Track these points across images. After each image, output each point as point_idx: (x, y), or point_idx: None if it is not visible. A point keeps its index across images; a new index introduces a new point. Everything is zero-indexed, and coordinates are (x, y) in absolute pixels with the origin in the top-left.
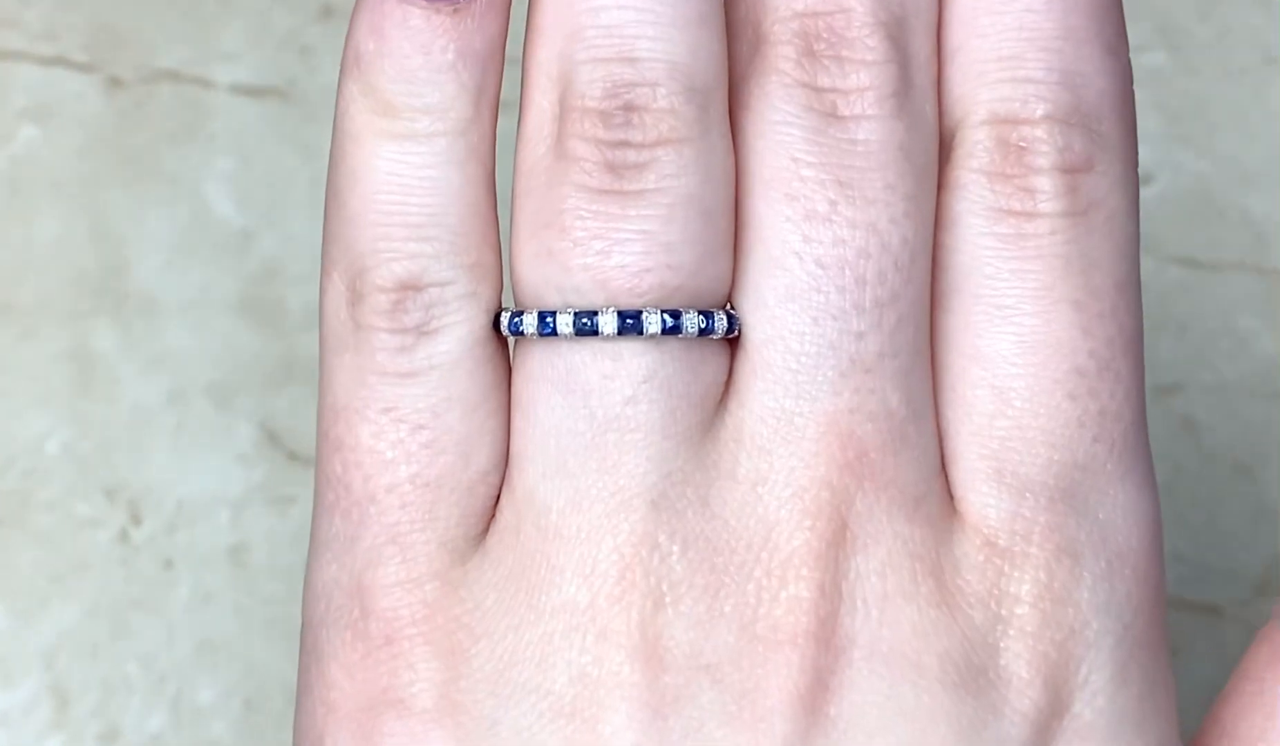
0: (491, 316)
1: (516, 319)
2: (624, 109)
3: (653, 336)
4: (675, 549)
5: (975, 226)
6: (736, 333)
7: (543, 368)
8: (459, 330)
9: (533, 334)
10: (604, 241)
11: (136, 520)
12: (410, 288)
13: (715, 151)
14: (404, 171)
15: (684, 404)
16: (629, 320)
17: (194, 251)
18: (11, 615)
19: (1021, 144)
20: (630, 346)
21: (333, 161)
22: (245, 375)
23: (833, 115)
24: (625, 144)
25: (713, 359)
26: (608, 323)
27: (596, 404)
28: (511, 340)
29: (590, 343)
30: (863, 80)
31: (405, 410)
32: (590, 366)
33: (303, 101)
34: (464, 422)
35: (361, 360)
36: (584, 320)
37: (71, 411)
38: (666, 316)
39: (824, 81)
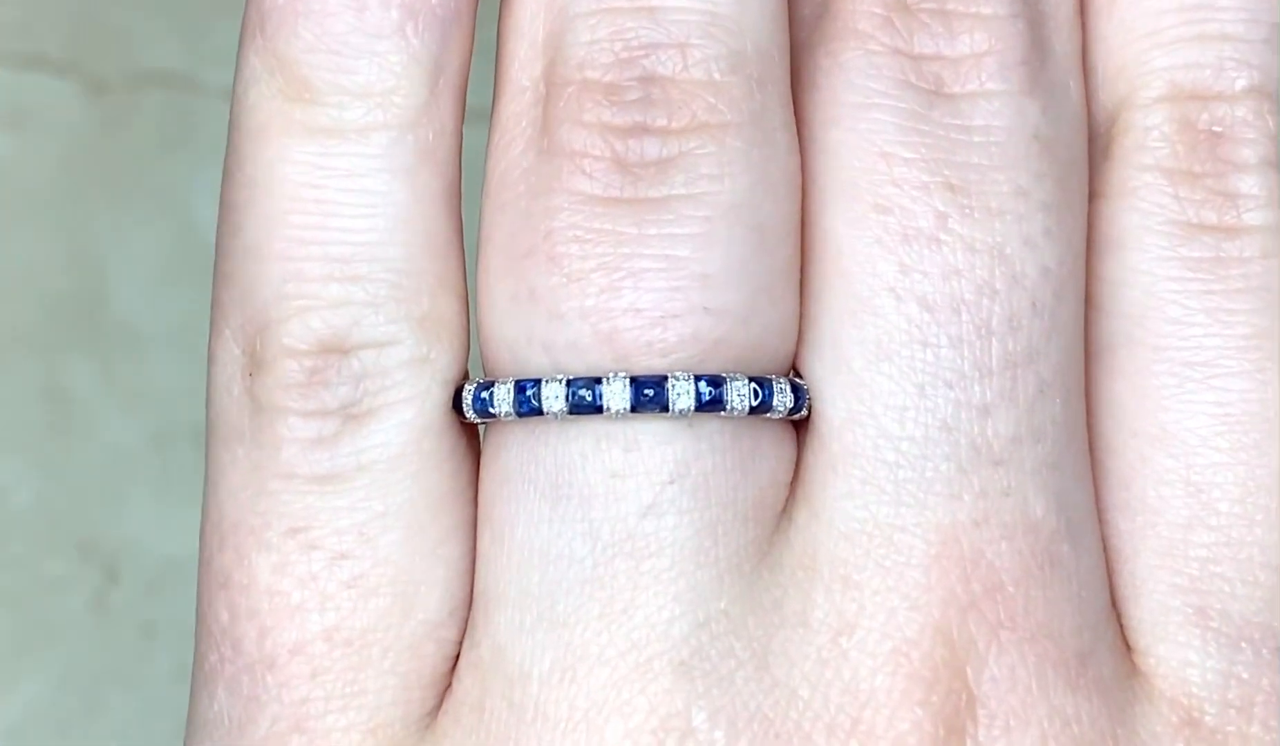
0: (450, 390)
1: (485, 393)
2: (640, 81)
3: (683, 414)
4: (719, 736)
5: (1152, 249)
6: (806, 410)
7: (522, 464)
8: (403, 412)
9: (508, 413)
10: (611, 273)
11: (114, 579)
12: (333, 350)
13: (773, 144)
14: (326, 181)
15: (729, 515)
16: (648, 391)
17: (180, 276)
18: None
19: (1216, 129)
20: (650, 429)
21: (226, 169)
22: None
23: (937, 93)
24: (643, 130)
25: (771, 448)
26: (616, 395)
27: (601, 517)
28: (480, 424)
29: (591, 424)
30: (979, 43)
31: (322, 531)
32: (591, 461)
33: None
34: (406, 549)
35: (261, 456)
36: (582, 392)
37: (41, 455)
38: (703, 385)
39: (924, 46)
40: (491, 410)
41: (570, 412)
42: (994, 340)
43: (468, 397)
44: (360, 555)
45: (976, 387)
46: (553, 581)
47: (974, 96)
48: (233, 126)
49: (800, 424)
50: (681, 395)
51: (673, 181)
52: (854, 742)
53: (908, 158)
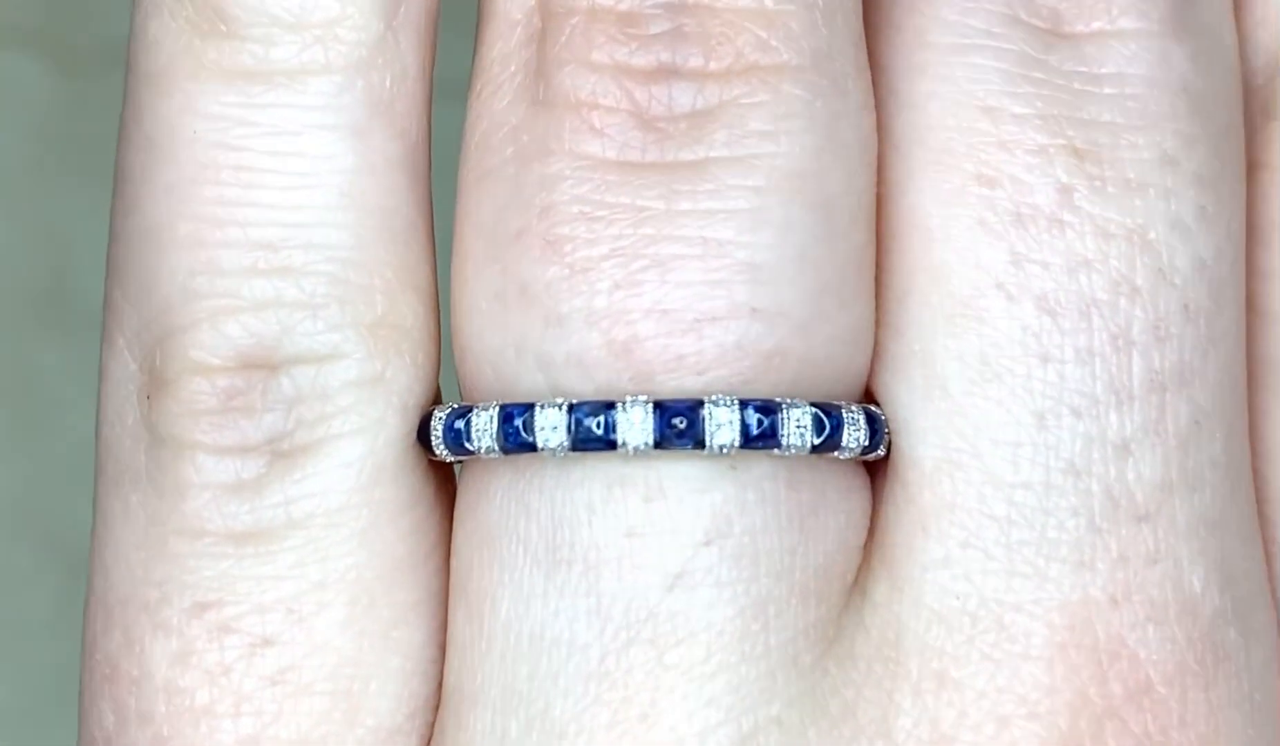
0: (412, 419)
1: (460, 422)
2: (668, 7)
3: (724, 452)
4: None
5: None
6: (884, 448)
7: (509, 517)
8: (348, 449)
9: (490, 449)
10: (629, 263)
11: (80, 573)
12: (257, 366)
13: (842, 94)
14: (247, 142)
15: (784, 589)
16: (677, 421)
17: None
18: None
19: None
20: (680, 473)
21: (121, 126)
22: None
23: (1055, 32)
24: (671, 73)
25: (839, 500)
26: (635, 426)
27: (613, 590)
28: (453, 463)
29: (602, 465)
30: None
31: (239, 608)
32: (601, 514)
33: None
34: (351, 632)
35: (160, 506)
36: (589, 422)
37: (7, 444)
38: (750, 413)
39: None
40: (469, 445)
41: (574, 449)
42: (1135, 353)
43: (437, 428)
44: (289, 640)
45: (1113, 417)
46: (548, 676)
47: (1103, 37)
48: (129, 69)
49: (877, 466)
50: (722, 427)
51: (712, 140)
52: None
53: (1019, 113)
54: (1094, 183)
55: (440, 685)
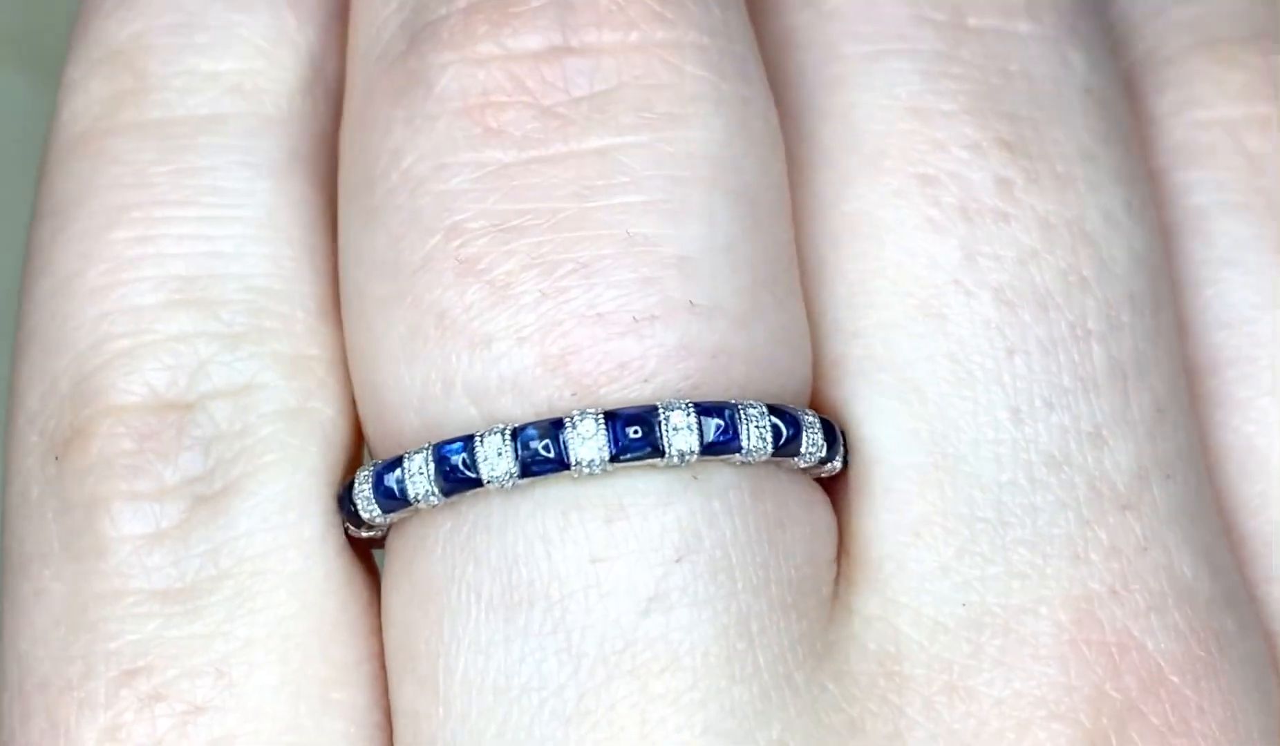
0: (339, 456)
1: (389, 475)
2: None
3: (684, 460)
4: None
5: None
6: (839, 460)
7: (454, 567)
8: (272, 482)
9: (427, 493)
10: (552, 270)
11: None
12: (172, 406)
13: (746, 79)
14: (161, 180)
15: (763, 604)
16: (632, 430)
17: None
18: None
19: None
20: (639, 487)
21: (34, 215)
22: None
23: (961, 27)
24: (564, 52)
25: (801, 512)
26: (588, 440)
27: (582, 623)
28: (374, 539)
29: (554, 489)
30: None
31: (168, 673)
32: (560, 545)
33: None
34: (286, 695)
35: (78, 573)
36: (536, 444)
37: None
38: (710, 418)
39: None
40: (403, 495)
41: (523, 475)
42: (1094, 342)
43: (364, 487)
44: (221, 706)
45: (1083, 406)
46: (519, 729)
47: (1004, 35)
48: (44, 153)
49: (835, 482)
50: (679, 431)
51: (619, 124)
52: None
53: (946, 110)
54: (1028, 175)
55: None
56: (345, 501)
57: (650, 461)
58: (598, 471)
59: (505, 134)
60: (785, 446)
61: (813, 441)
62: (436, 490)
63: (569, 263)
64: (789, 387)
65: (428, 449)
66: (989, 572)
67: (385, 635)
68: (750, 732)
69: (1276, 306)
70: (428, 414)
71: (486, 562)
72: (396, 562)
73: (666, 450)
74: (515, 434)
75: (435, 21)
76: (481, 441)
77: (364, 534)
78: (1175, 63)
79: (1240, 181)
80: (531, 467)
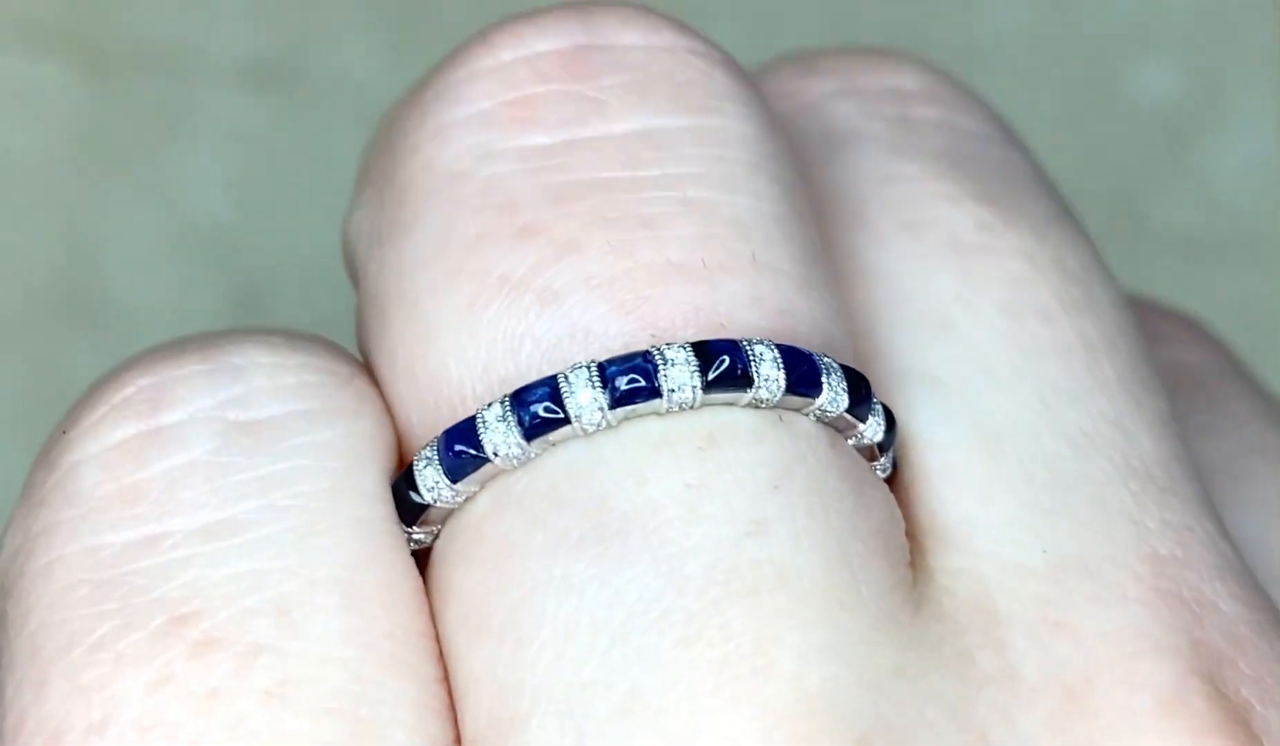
0: (390, 452)
1: (460, 433)
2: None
3: (769, 402)
4: None
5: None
6: (889, 459)
7: (533, 519)
8: (326, 432)
9: (506, 445)
10: (615, 225)
11: None
12: None
13: (763, 107)
14: None
15: (859, 545)
16: (723, 360)
17: (175, 256)
18: None
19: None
20: (728, 421)
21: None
22: None
23: (899, 95)
24: (592, 50)
25: (874, 478)
26: (675, 366)
27: (684, 547)
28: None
29: (639, 430)
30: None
31: (218, 617)
32: (653, 473)
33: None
34: (356, 646)
35: (102, 519)
36: (621, 380)
37: (36, 441)
38: (792, 358)
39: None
40: (482, 448)
41: (613, 406)
42: (1100, 354)
43: (432, 455)
44: (283, 649)
45: (1102, 402)
46: (625, 659)
47: (920, 98)
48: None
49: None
50: (765, 362)
51: (655, 106)
52: None
53: (910, 172)
54: (1006, 221)
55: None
56: (401, 488)
57: (738, 395)
58: (688, 404)
59: (541, 120)
60: (855, 409)
61: (876, 415)
62: (517, 438)
63: (631, 218)
64: (840, 344)
65: (505, 398)
66: (1059, 524)
67: (444, 615)
68: (867, 657)
69: None
70: (495, 378)
71: (572, 504)
72: (457, 543)
73: (756, 378)
74: (601, 367)
75: (453, 53)
76: (566, 379)
77: (414, 534)
78: None
79: None
80: (621, 399)
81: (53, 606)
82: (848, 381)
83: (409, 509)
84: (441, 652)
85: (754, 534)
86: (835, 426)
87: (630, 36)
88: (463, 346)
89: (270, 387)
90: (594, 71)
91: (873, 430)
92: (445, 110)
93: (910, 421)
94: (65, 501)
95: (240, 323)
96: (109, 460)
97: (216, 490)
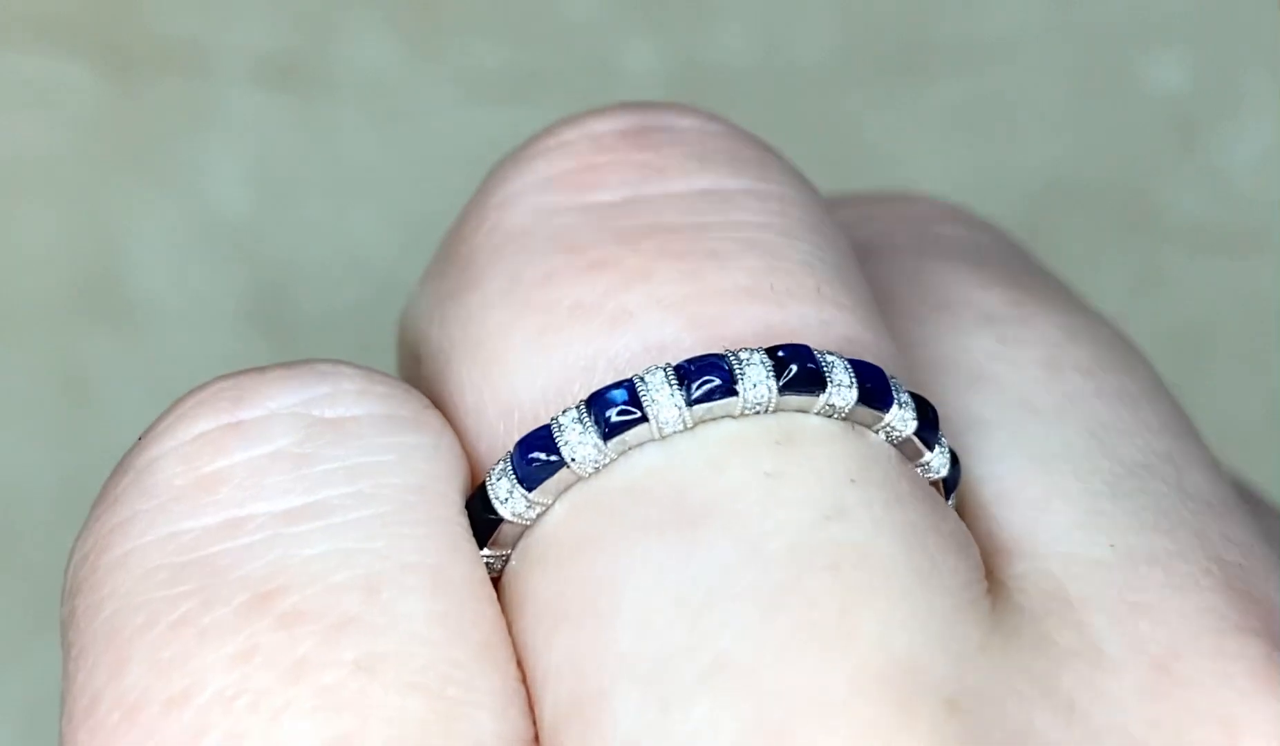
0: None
1: (535, 440)
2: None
3: (841, 410)
4: None
5: None
6: (955, 487)
7: (613, 514)
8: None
9: (583, 448)
10: (681, 258)
11: None
12: None
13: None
14: None
15: (934, 539)
16: (793, 367)
17: (198, 251)
18: None
19: None
20: (804, 425)
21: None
22: None
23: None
24: (647, 129)
25: (941, 499)
26: (751, 366)
27: (767, 527)
28: (529, 514)
29: (714, 430)
30: None
31: (305, 592)
32: (733, 464)
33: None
34: (446, 630)
35: (185, 506)
36: (698, 384)
37: (54, 436)
38: (860, 371)
39: None
40: (559, 452)
41: (690, 404)
42: (1142, 401)
43: (503, 471)
44: (372, 623)
45: (1150, 438)
46: (710, 628)
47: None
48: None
49: None
50: (838, 369)
51: (715, 171)
52: None
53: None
54: (1037, 298)
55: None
56: (474, 505)
57: (811, 401)
58: (763, 405)
59: (605, 182)
60: (923, 433)
61: (942, 449)
62: (594, 439)
63: (699, 252)
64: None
65: (581, 403)
66: (1122, 523)
67: (519, 622)
68: (951, 632)
69: None
70: (569, 397)
71: (650, 495)
72: (531, 554)
73: (829, 384)
74: (678, 368)
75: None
76: (642, 380)
77: (485, 553)
78: None
79: None
80: (698, 398)
81: (130, 592)
82: (916, 406)
83: (481, 527)
84: (519, 659)
85: (834, 518)
86: (903, 452)
87: (686, 122)
88: (534, 372)
89: (356, 391)
90: (654, 144)
91: (939, 463)
92: (510, 182)
93: (977, 456)
94: (141, 495)
95: (260, 316)
96: (187, 452)
97: (302, 477)
